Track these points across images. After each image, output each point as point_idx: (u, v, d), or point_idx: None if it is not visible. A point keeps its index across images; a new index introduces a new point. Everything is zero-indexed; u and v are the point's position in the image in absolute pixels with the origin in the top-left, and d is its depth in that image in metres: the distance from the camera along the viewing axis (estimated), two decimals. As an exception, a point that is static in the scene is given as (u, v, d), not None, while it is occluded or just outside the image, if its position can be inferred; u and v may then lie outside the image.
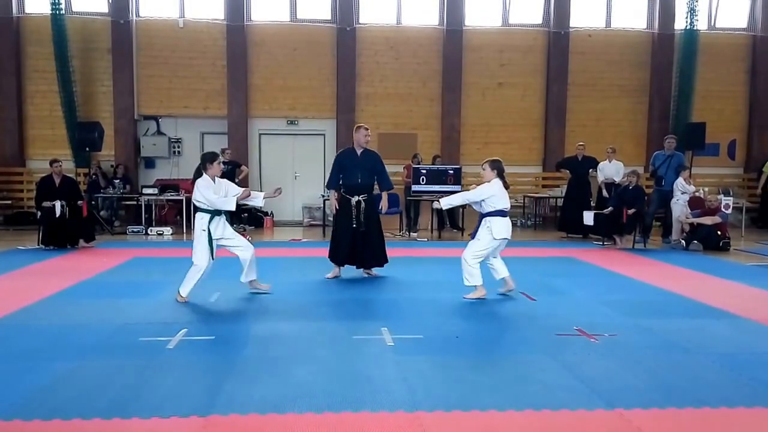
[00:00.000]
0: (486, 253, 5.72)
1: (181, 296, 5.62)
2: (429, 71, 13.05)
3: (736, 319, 5.13)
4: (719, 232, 9.17)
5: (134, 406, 3.21)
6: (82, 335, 4.54)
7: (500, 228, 5.63)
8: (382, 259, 6.84)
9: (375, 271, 6.90)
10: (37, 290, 6.08)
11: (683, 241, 9.45)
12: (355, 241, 6.65)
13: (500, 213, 5.64)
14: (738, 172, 13.69)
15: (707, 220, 9.22)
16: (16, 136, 12.63)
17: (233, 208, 5.65)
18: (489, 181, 5.72)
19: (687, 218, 9.49)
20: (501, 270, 5.89)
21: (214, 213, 5.63)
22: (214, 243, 5.62)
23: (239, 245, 5.79)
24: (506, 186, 5.69)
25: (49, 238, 8.96)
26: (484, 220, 5.74)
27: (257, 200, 6.04)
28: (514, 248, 9.36)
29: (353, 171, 6.71)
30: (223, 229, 5.70)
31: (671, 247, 9.67)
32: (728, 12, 13.69)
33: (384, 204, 6.91)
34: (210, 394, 3.38)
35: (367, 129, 6.81)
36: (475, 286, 5.72)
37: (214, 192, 5.60)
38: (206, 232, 5.57)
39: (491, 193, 5.61)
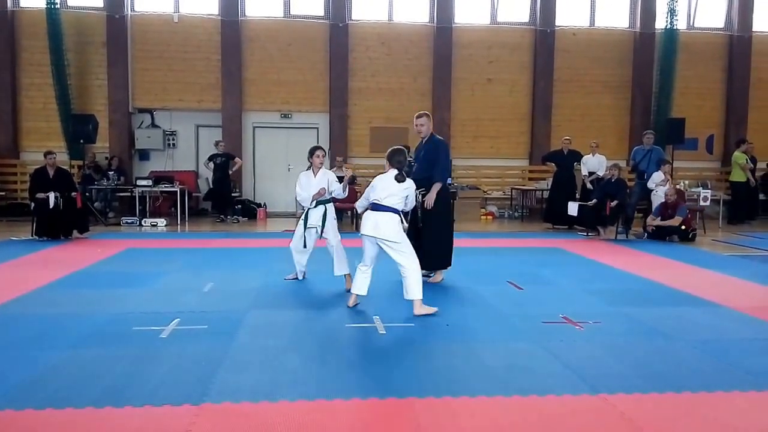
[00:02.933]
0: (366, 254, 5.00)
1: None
2: (420, 67, 13.36)
3: (715, 306, 5.28)
4: (683, 227, 9.45)
5: (127, 394, 3.20)
6: (75, 325, 4.51)
7: (364, 222, 4.93)
8: (436, 260, 6.04)
9: (440, 275, 6.18)
10: (30, 281, 6.03)
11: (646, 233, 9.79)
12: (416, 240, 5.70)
13: (373, 206, 4.94)
14: (716, 165, 14.19)
15: (673, 222, 9.44)
16: (10, 128, 12.68)
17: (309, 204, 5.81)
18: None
19: (652, 221, 9.74)
20: (359, 283, 5.03)
21: (317, 203, 5.79)
22: (308, 228, 5.82)
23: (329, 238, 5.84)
24: (398, 179, 4.89)
25: (42, 229, 8.98)
26: None
27: (342, 193, 5.95)
28: (502, 239, 9.78)
29: (416, 162, 6.15)
30: (319, 218, 5.79)
31: (636, 236, 9.99)
32: (706, 13, 14.17)
33: (430, 199, 5.90)
34: (203, 383, 3.37)
35: (421, 116, 6.03)
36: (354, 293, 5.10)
37: (304, 185, 5.83)
38: (303, 220, 5.81)
39: (372, 185, 5.00)
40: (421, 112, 6.12)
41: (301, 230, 5.89)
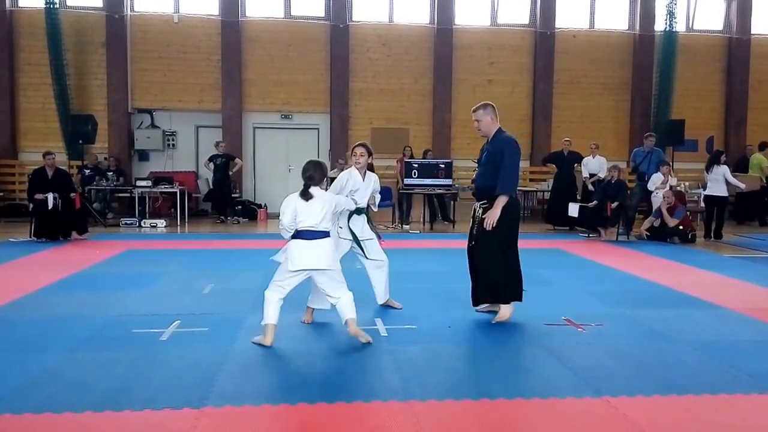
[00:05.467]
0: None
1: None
2: (420, 68, 13.37)
3: (717, 308, 5.26)
4: (681, 227, 9.48)
5: (127, 398, 3.17)
6: (74, 327, 4.47)
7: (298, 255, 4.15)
8: (499, 292, 4.75)
9: (506, 310, 4.79)
10: (28, 282, 5.97)
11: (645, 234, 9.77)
12: (470, 264, 4.92)
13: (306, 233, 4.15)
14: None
15: (670, 223, 9.45)
16: (8, 128, 12.63)
17: (351, 207, 4.87)
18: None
19: (648, 224, 9.77)
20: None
21: (354, 210, 4.95)
22: (362, 242, 4.98)
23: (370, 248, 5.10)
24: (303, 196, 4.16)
25: (41, 230, 8.96)
26: None
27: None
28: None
29: (481, 166, 4.94)
30: (362, 227, 5.01)
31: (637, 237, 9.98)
32: (705, 15, 14.22)
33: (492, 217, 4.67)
34: (203, 386, 3.34)
35: (476, 110, 4.83)
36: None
37: (345, 185, 4.90)
38: (343, 230, 4.92)
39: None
40: (479, 104, 4.83)
41: (345, 249, 4.95)
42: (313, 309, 4.73)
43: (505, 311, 4.77)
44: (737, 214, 12.41)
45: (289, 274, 4.15)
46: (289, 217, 4.10)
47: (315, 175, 4.15)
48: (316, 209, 4.09)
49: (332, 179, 5.77)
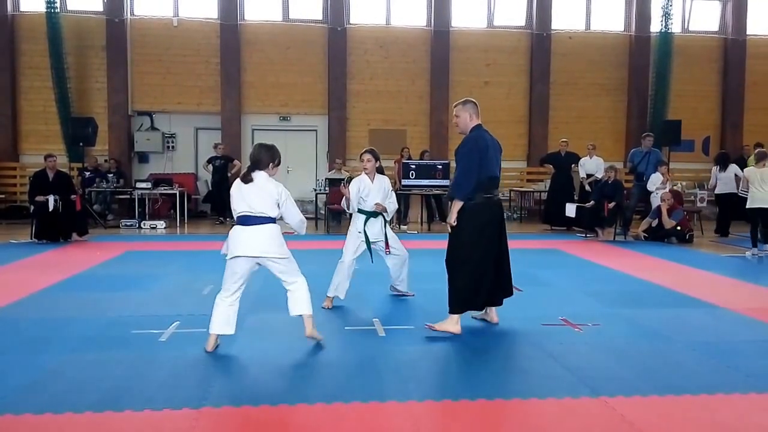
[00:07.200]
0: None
1: (328, 297, 5.18)
2: (417, 70, 13.44)
3: (714, 308, 5.30)
4: (679, 228, 9.56)
5: (126, 398, 3.17)
6: (74, 328, 4.49)
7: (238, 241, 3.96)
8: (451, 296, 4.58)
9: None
10: (29, 284, 6.01)
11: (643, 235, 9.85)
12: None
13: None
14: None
15: (667, 225, 9.53)
16: (9, 131, 12.70)
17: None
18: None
19: (645, 225, 9.84)
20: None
21: (369, 215, 5.21)
22: (372, 245, 5.22)
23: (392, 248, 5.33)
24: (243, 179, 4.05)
25: (41, 231, 9.02)
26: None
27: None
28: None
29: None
30: (380, 230, 5.24)
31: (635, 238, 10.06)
32: (701, 16, 14.30)
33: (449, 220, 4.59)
34: (202, 386, 3.35)
35: (456, 105, 4.65)
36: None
37: (358, 191, 5.20)
38: (362, 234, 5.17)
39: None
40: (460, 100, 4.68)
41: (362, 247, 5.22)
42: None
43: (446, 324, 4.46)
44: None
45: (229, 265, 3.84)
46: (234, 201, 3.93)
47: (262, 158, 3.92)
48: (255, 194, 3.84)
49: (331, 180, 5.96)
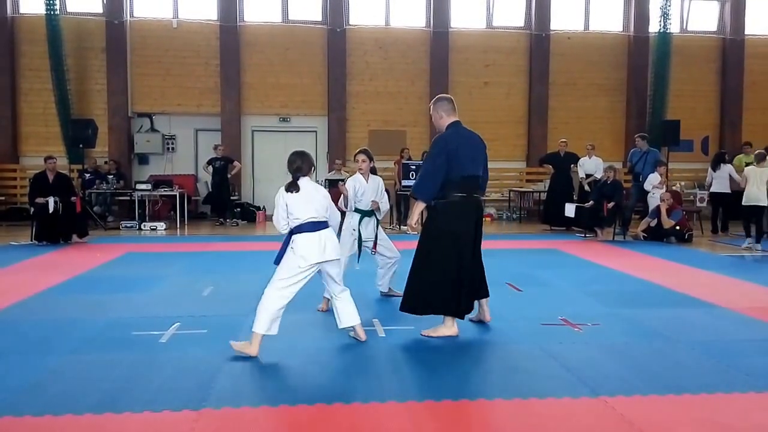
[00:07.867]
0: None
1: (325, 299, 5.14)
2: (417, 71, 13.47)
3: (713, 307, 5.31)
4: (678, 227, 9.59)
5: (126, 400, 3.18)
6: (74, 330, 4.50)
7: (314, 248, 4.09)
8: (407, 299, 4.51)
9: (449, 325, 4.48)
10: (29, 285, 6.02)
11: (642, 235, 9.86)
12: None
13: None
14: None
15: (666, 224, 9.56)
16: (9, 132, 12.70)
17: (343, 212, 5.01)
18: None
19: (645, 225, 9.87)
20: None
21: (364, 213, 5.35)
22: (363, 244, 5.33)
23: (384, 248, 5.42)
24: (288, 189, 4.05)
25: (42, 233, 9.03)
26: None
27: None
28: (500, 241, 9.82)
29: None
30: (373, 230, 5.36)
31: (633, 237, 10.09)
32: (699, 16, 14.33)
33: (409, 222, 4.81)
34: (202, 388, 3.35)
35: (431, 103, 4.68)
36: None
37: (354, 190, 5.30)
38: (356, 232, 5.28)
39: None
40: (432, 99, 4.69)
41: (354, 248, 5.32)
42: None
43: (442, 329, 4.37)
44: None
45: (300, 271, 3.92)
46: (281, 211, 3.95)
47: (303, 167, 4.00)
48: (314, 199, 3.97)
49: (331, 181, 6.02)
